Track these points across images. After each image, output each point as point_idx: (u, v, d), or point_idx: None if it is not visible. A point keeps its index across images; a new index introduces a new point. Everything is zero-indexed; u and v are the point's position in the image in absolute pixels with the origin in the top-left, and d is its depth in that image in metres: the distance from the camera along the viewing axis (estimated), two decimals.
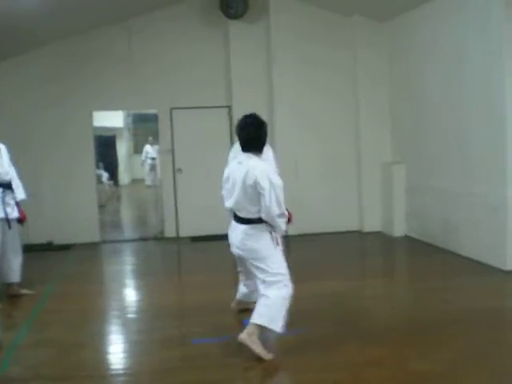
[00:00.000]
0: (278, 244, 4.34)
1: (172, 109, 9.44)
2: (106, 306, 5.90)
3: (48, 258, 8.45)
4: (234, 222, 4.45)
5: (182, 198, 9.55)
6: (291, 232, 8.53)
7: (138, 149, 20.31)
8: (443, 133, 7.57)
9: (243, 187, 4.23)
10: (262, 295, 4.30)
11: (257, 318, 4.28)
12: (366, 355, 4.21)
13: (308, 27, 9.24)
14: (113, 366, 4.31)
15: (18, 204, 6.16)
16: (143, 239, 9.71)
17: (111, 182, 16.06)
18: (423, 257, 7.59)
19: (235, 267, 5.48)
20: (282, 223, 4.27)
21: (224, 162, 8.47)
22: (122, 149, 19.68)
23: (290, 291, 4.33)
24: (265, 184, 4.13)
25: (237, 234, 4.40)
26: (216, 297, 5.82)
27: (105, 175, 14.98)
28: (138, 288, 6.90)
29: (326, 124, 9.44)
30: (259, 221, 4.26)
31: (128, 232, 10.93)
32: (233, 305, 5.38)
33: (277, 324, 4.25)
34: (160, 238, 9.59)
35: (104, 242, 9.47)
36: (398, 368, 3.98)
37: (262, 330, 4.29)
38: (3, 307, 5.84)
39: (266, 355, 4.24)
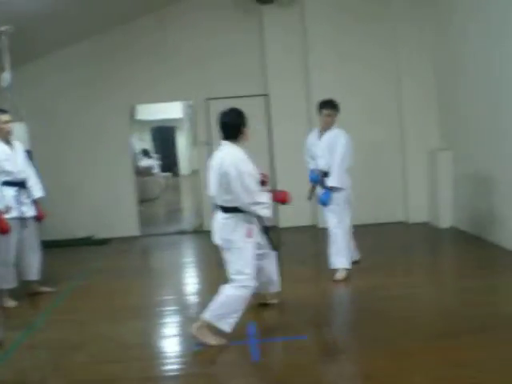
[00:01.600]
0: (250, 236, 4.33)
1: (207, 99, 9.23)
2: (123, 305, 5.74)
3: (82, 253, 8.52)
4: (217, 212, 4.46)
5: None
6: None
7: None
8: (494, 118, 6.86)
9: (218, 175, 4.31)
10: (220, 291, 4.36)
11: (206, 313, 4.34)
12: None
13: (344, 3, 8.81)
14: (103, 370, 4.13)
15: (35, 202, 6.13)
16: (182, 233, 9.62)
17: (167, 174, 16.11)
18: (469, 251, 7.04)
19: None
20: (260, 210, 4.30)
21: (261, 153, 8.38)
22: (183, 140, 19.73)
23: (247, 292, 4.36)
24: (232, 172, 4.19)
25: (217, 222, 4.45)
26: None
27: (157, 167, 15.02)
28: (159, 286, 6.74)
29: (367, 110, 8.99)
30: (236, 210, 4.30)
31: (169, 225, 10.85)
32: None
33: (225, 323, 4.31)
34: (199, 232, 9.46)
35: (143, 235, 9.44)
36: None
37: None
38: (19, 305, 5.85)
39: (220, 341, 4.32)
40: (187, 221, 10.41)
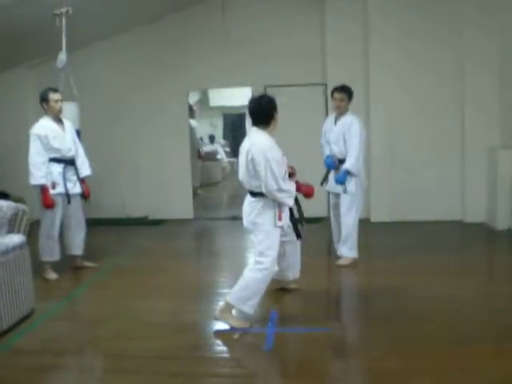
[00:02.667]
0: (280, 220, 4.40)
1: (266, 86, 9.22)
2: (158, 285, 5.85)
3: (135, 232, 8.73)
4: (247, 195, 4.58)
5: None
6: (386, 219, 8.29)
7: None
8: None
9: (246, 161, 4.39)
10: (243, 273, 4.48)
11: (229, 295, 4.50)
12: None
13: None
14: (121, 346, 4.23)
15: (82, 180, 6.32)
16: (235, 218, 9.66)
17: (233, 160, 16.24)
18: None
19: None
20: (283, 198, 4.37)
21: (317, 141, 8.35)
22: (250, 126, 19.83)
23: (268, 275, 4.45)
24: (260, 159, 4.26)
25: (245, 206, 4.57)
26: None
27: (221, 152, 15.14)
28: (200, 268, 6.80)
29: (426, 105, 8.69)
30: (263, 194, 4.37)
31: (224, 210, 10.92)
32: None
33: (247, 305, 4.43)
34: None
35: (196, 219, 9.57)
36: None
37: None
38: (60, 278, 6.07)
39: (243, 324, 4.44)
40: (241, 207, 10.43)
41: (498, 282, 5.88)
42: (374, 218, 8.83)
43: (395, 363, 3.71)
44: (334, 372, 3.64)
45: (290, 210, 4.62)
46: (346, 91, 6.03)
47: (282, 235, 4.61)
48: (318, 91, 9.14)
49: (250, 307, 4.46)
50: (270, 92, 9.02)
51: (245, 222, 4.60)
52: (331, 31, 8.84)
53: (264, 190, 4.33)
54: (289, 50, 9.07)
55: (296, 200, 4.67)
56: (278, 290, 5.25)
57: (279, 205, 4.42)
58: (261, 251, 4.44)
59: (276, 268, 4.56)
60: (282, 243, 4.73)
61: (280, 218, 4.43)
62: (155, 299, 5.37)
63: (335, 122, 6.11)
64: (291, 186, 4.51)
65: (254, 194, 4.48)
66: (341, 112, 6.05)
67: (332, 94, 6.10)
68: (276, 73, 9.08)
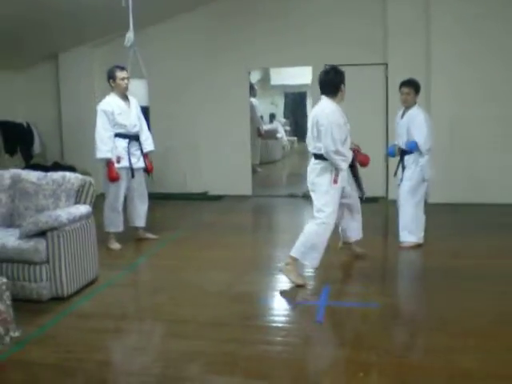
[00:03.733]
0: (336, 183, 4.84)
1: (326, 65, 9.21)
2: (215, 257, 6.05)
3: (195, 207, 9.00)
4: None
5: None
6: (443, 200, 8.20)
7: None
8: None
9: (312, 124, 4.91)
10: (304, 229, 4.91)
11: (292, 250, 4.90)
12: None
13: None
14: (177, 312, 4.45)
15: (145, 155, 6.57)
16: (293, 196, 9.80)
17: (293, 138, 16.33)
18: None
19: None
20: (338, 161, 4.78)
21: (379, 122, 8.32)
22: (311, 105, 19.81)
23: (327, 229, 4.87)
24: (323, 121, 4.77)
25: (308, 168, 5.06)
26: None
27: (281, 131, 15.23)
28: (256, 242, 6.99)
29: (491, 86, 8.52)
30: (324, 158, 4.81)
31: (281, 188, 11.03)
32: (340, 244, 5.83)
33: (309, 258, 4.88)
34: (309, 196, 9.55)
35: (254, 195, 9.75)
36: None
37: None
38: (123, 248, 6.37)
39: (302, 282, 4.87)
40: (298, 185, 10.55)
41: None
42: (432, 199, 8.75)
43: (441, 340, 3.77)
44: (380, 344, 3.73)
45: (354, 169, 5.14)
46: (412, 85, 6.08)
47: (342, 197, 5.02)
48: (380, 71, 9.09)
49: (312, 260, 4.88)
50: None
51: (308, 182, 5.06)
52: (393, 13, 8.74)
53: (323, 151, 4.77)
54: (349, 29, 9.03)
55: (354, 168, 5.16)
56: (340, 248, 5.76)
57: (336, 168, 4.80)
58: (319, 207, 4.88)
59: (334, 222, 4.98)
60: (342, 205, 5.14)
61: (336, 181, 4.85)
62: (212, 270, 5.58)
63: (402, 116, 6.16)
64: (348, 152, 4.93)
65: (316, 156, 4.92)
66: (408, 105, 6.11)
67: (400, 87, 6.15)
68: (336, 52, 9.06)
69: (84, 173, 7.53)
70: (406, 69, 8.65)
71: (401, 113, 6.29)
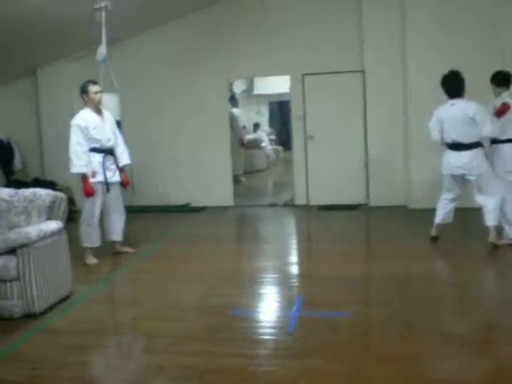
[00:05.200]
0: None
1: (304, 75, 9.30)
2: (192, 270, 6.04)
3: (175, 219, 8.99)
4: (452, 151, 6.15)
5: (313, 165, 9.44)
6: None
7: None
8: None
9: (463, 119, 5.95)
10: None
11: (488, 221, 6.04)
12: None
13: None
14: (151, 327, 4.43)
15: (121, 169, 6.57)
16: (274, 205, 9.81)
17: (278, 147, 16.34)
18: None
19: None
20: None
21: (357, 129, 8.29)
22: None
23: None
24: (483, 111, 5.93)
25: (461, 157, 6.03)
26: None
27: (266, 140, 15.24)
28: (235, 253, 6.99)
29: (472, 87, 8.50)
30: (479, 145, 5.94)
31: (263, 197, 11.00)
32: (432, 232, 6.49)
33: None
34: (290, 205, 9.61)
35: (236, 206, 9.75)
36: None
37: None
38: (100, 263, 6.35)
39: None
40: (281, 194, 10.57)
41: None
42: (414, 204, 8.76)
43: (411, 347, 3.78)
44: (349, 354, 3.73)
45: None
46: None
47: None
48: (357, 78, 9.13)
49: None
50: (308, 80, 9.17)
51: (458, 170, 6.12)
52: (368, 21, 8.79)
53: (484, 135, 5.97)
54: (327, 38, 9.10)
55: None
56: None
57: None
58: (486, 186, 6.11)
59: None
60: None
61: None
62: (188, 283, 5.57)
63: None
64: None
65: (471, 145, 5.98)
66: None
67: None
68: (314, 61, 9.15)
69: (65, 189, 7.58)
70: (383, 75, 8.77)
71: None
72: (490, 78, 6.32)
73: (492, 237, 6.06)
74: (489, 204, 6.05)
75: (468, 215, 7.45)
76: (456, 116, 6.09)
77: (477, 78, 8.11)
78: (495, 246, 6.05)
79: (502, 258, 5.93)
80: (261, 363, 3.72)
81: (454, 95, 6.15)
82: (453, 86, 6.17)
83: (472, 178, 6.13)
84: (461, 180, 6.30)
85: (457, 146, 6.13)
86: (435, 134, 6.30)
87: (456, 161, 6.14)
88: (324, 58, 9.09)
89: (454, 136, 6.13)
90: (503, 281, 5.32)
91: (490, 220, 6.06)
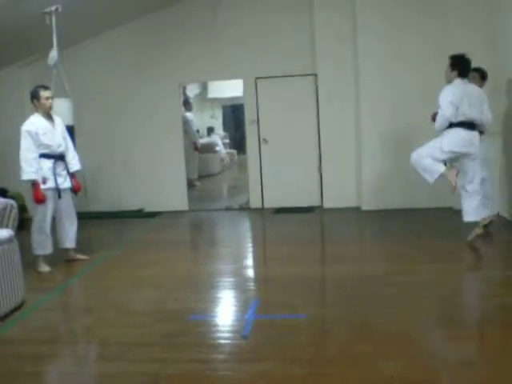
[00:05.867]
0: None
1: (257, 78, 9.35)
2: (147, 276, 5.98)
3: (130, 225, 8.91)
4: (465, 129, 6.13)
5: (268, 168, 9.49)
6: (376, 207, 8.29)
7: None
8: None
9: (481, 99, 6.27)
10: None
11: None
12: None
13: None
14: (105, 334, 4.38)
15: (71, 175, 6.48)
16: (229, 209, 9.83)
17: (232, 151, 16.37)
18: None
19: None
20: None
21: (310, 132, 9.03)
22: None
23: None
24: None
25: (473, 136, 6.15)
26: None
27: (220, 144, 15.26)
28: (189, 259, 6.98)
29: (423, 90, 8.70)
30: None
31: (218, 201, 11.01)
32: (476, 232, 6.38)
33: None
34: (245, 209, 9.64)
35: (191, 210, 9.73)
36: None
37: None
38: (53, 271, 6.25)
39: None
40: (236, 198, 10.61)
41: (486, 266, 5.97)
42: (367, 206, 8.91)
43: (365, 347, 3.84)
44: (304, 356, 3.76)
45: None
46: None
47: None
48: (309, 81, 9.23)
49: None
50: (261, 83, 9.22)
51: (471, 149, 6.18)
52: (320, 25, 8.90)
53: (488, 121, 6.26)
54: (279, 42, 9.18)
55: None
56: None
57: None
58: None
59: None
60: None
61: None
62: (143, 289, 5.51)
63: None
64: None
65: (477, 126, 6.16)
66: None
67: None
68: (267, 65, 9.23)
69: (16, 196, 7.43)
70: (335, 79, 8.89)
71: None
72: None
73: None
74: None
75: (433, 215, 7.68)
76: (474, 95, 6.23)
77: (426, 76, 8.37)
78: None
79: (460, 257, 6.09)
80: (216, 368, 3.72)
81: (466, 75, 6.26)
82: (467, 65, 6.22)
83: (473, 159, 6.27)
84: (460, 160, 6.37)
85: (470, 125, 6.19)
86: (451, 112, 6.13)
87: (469, 138, 6.19)
88: (276, 61, 9.16)
89: (472, 114, 6.18)
90: (459, 280, 5.43)
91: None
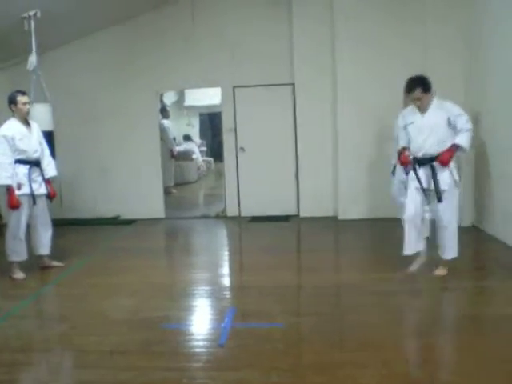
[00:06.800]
0: None
1: (235, 87, 9.39)
2: (122, 283, 5.97)
3: (105, 232, 8.85)
4: None
5: (244, 177, 9.51)
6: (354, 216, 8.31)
7: None
8: None
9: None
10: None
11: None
12: None
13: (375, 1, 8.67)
14: (80, 342, 4.35)
15: (47, 181, 6.43)
16: (205, 217, 9.83)
17: (209, 159, 16.38)
18: (482, 251, 7.04)
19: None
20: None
21: (287, 141, 9.13)
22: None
23: None
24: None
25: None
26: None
27: (197, 151, 15.26)
28: (165, 267, 6.98)
29: (392, 106, 8.79)
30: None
31: (195, 209, 10.99)
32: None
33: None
34: (222, 217, 9.64)
35: (167, 218, 9.70)
36: None
37: None
38: (27, 277, 6.18)
39: None
40: (212, 206, 10.61)
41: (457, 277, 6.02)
42: (343, 215, 8.97)
43: (342, 356, 3.87)
44: (281, 365, 3.78)
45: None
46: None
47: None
48: (287, 91, 9.29)
49: None
50: (239, 92, 9.26)
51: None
52: (298, 34, 8.95)
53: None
54: (257, 51, 9.19)
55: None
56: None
57: None
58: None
59: None
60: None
61: None
62: (118, 297, 5.49)
63: None
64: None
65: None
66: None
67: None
68: (245, 74, 9.25)
69: None
70: (313, 88, 8.95)
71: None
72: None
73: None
74: None
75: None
76: None
77: (401, 89, 8.43)
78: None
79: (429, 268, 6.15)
80: (193, 376, 3.73)
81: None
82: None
83: None
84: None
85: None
86: None
87: None
88: (254, 70, 9.20)
89: None
90: (433, 289, 5.50)
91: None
